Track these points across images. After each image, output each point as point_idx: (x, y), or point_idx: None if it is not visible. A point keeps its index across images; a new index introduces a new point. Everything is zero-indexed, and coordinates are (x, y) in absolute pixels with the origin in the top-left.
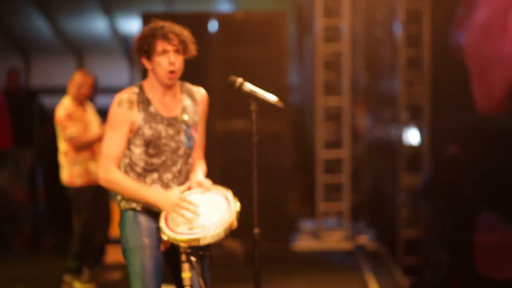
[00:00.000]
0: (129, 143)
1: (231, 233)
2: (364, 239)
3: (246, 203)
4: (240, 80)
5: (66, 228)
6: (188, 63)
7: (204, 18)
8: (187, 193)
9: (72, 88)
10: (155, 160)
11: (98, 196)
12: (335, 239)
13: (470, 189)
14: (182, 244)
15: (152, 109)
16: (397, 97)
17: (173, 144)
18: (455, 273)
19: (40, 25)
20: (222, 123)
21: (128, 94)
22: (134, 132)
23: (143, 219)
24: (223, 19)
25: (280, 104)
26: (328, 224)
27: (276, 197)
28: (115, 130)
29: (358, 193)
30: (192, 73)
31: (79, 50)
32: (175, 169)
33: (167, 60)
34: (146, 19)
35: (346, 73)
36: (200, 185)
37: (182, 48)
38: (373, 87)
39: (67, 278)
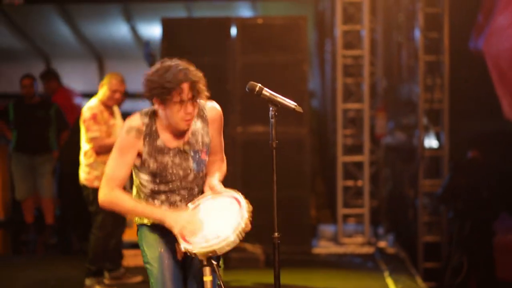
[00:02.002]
0: (138, 169)
1: (253, 237)
2: (384, 244)
3: (266, 207)
4: (259, 85)
5: (89, 231)
6: (208, 69)
7: (224, 23)
8: (198, 201)
9: (105, 91)
10: (162, 187)
11: None
12: (355, 244)
13: (488, 192)
14: (199, 256)
15: (159, 142)
16: (417, 102)
17: (181, 172)
18: (474, 276)
19: (62, 30)
20: (242, 128)
21: (138, 123)
22: (141, 162)
23: (157, 231)
24: (244, 24)
25: (300, 109)
26: (348, 229)
27: (297, 202)
28: (121, 155)
29: (378, 197)
30: (212, 78)
31: (101, 56)
32: (184, 192)
33: (184, 111)
34: (167, 24)
35: (366, 78)
36: (211, 188)
37: (196, 94)
38: (393, 92)
39: (88, 281)
